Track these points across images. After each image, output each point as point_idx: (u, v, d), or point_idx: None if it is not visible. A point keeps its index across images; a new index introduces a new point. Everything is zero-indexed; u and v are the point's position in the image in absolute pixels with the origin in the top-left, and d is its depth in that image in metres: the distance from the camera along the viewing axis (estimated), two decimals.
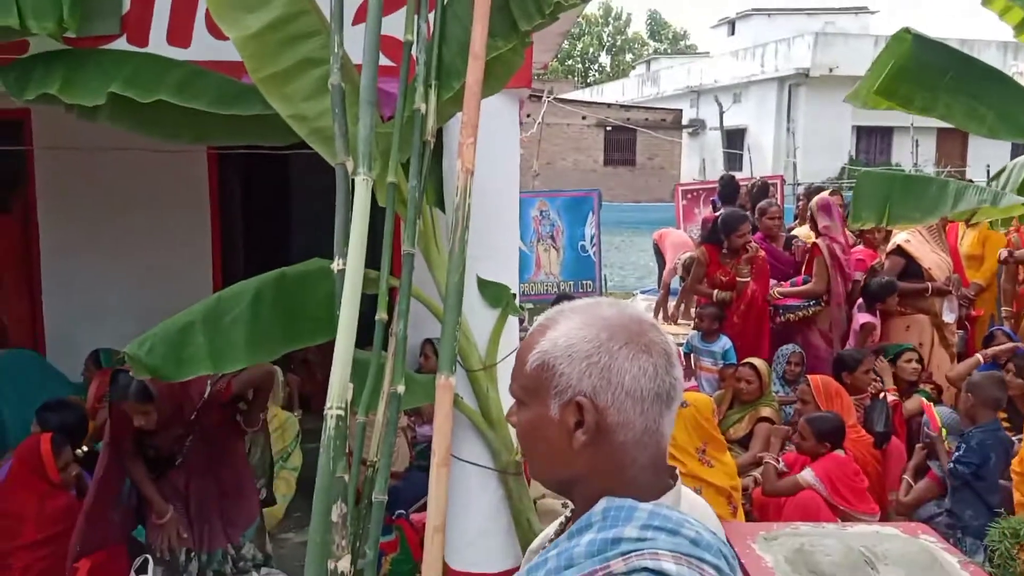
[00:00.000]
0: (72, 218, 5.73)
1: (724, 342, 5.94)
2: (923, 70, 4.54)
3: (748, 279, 5.89)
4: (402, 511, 4.35)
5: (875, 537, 3.32)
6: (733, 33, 31.37)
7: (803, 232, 6.91)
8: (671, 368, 1.10)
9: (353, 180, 2.19)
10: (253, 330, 2.54)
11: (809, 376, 5.07)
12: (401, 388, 2.37)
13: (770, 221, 6.57)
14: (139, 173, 5.55)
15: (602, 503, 1.06)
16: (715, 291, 6.02)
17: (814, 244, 6.17)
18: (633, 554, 0.99)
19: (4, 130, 5.53)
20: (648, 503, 1.05)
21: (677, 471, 1.15)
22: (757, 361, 5.36)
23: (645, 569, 0.97)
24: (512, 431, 3.32)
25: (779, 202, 8.51)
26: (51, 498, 3.50)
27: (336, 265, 2.22)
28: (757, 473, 4.68)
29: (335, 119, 2.29)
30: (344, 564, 1.95)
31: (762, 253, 6.05)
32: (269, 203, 7.08)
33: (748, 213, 6.46)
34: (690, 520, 1.05)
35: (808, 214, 6.60)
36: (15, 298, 5.95)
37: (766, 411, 5.23)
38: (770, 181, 9.86)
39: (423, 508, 4.50)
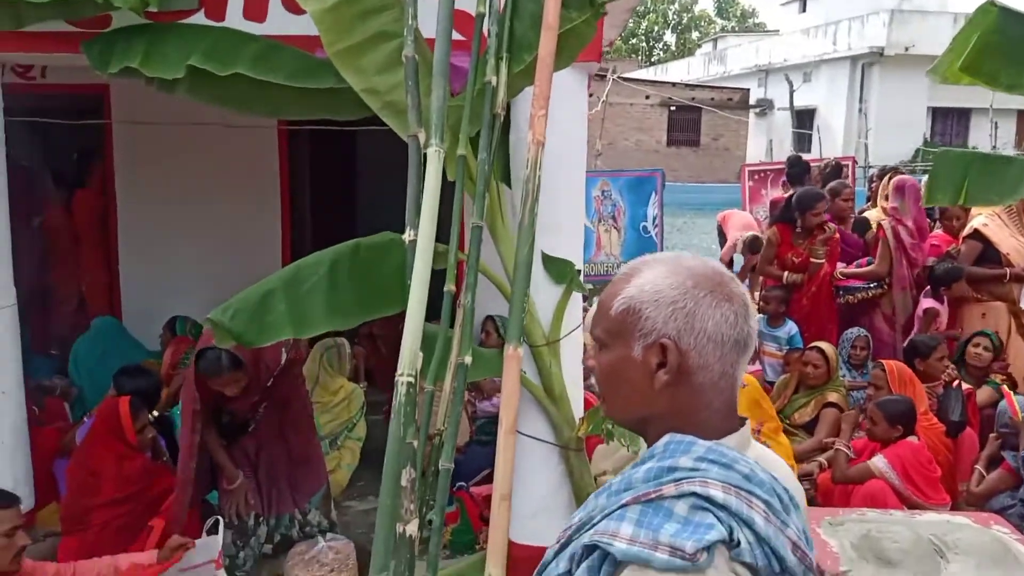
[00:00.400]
0: (148, 190, 5.91)
1: (790, 327, 5.84)
2: (1010, 44, 4.33)
3: (823, 260, 5.76)
4: (462, 483, 4.42)
5: (945, 526, 3.24)
6: (804, 10, 30.52)
7: (873, 215, 6.73)
8: (749, 318, 1.17)
9: (425, 152, 2.20)
10: (330, 298, 2.60)
11: (883, 361, 4.96)
12: (468, 359, 2.39)
13: (844, 203, 6.40)
14: (213, 147, 5.70)
15: (665, 438, 1.13)
16: (786, 273, 5.89)
17: (879, 225, 6.01)
18: (684, 480, 1.06)
19: (84, 104, 5.71)
20: (709, 441, 1.11)
21: (747, 420, 1.21)
22: (825, 345, 5.25)
23: (693, 494, 1.05)
24: (575, 405, 3.33)
25: (851, 184, 8.28)
26: (128, 459, 3.63)
27: (408, 236, 2.24)
28: (823, 458, 4.61)
29: (408, 91, 2.31)
30: (412, 528, 1.98)
31: (837, 235, 5.92)
32: (336, 179, 7.18)
33: (824, 193, 6.29)
34: (747, 459, 1.11)
35: (883, 196, 6.41)
36: (93, 268, 6.18)
37: (833, 396, 5.13)
38: (842, 163, 9.59)
39: (483, 481, 4.57)
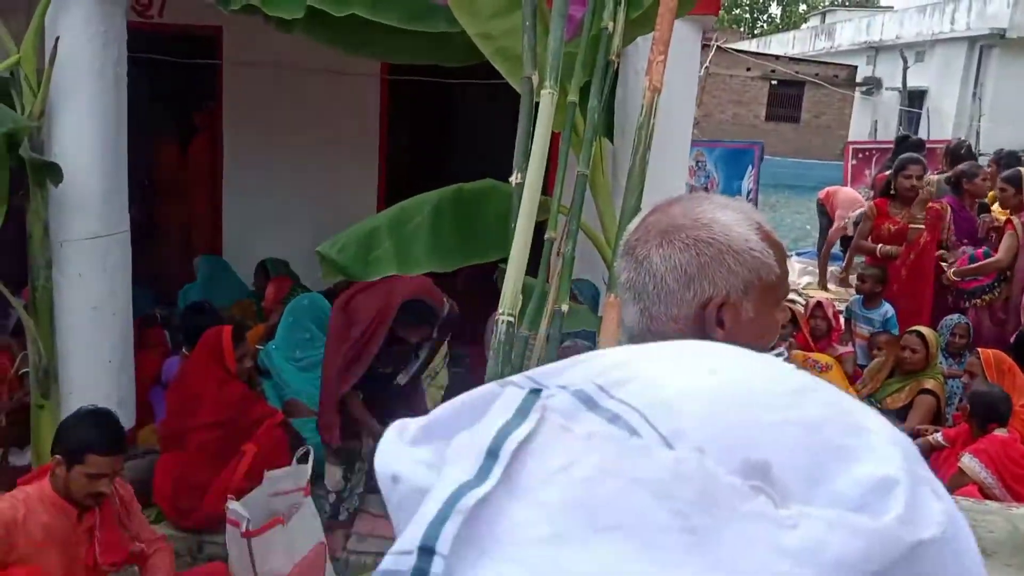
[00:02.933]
0: (253, 133, 6.07)
1: (886, 309, 5.64)
2: None
3: (922, 227, 5.52)
4: None
5: None
6: None
7: (995, 210, 6.35)
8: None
9: (537, 98, 2.19)
10: (433, 239, 2.64)
11: (980, 349, 4.76)
12: (565, 307, 2.39)
13: (982, 183, 6.11)
14: (317, 94, 5.81)
15: None
16: (879, 246, 5.69)
17: (1007, 220, 5.69)
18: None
19: (198, 44, 5.88)
20: None
21: None
22: (925, 330, 5.06)
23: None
24: None
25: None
26: (227, 385, 3.78)
27: (514, 179, 2.25)
28: (916, 444, 4.46)
29: (525, 32, 2.29)
30: None
31: (937, 205, 5.67)
32: (432, 131, 7.23)
33: (923, 159, 6.01)
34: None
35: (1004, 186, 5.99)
36: (200, 205, 6.41)
37: (930, 383, 4.95)
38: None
39: None
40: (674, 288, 1.06)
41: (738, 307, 1.06)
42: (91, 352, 3.74)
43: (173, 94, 6.46)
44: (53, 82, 3.50)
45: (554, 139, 2.61)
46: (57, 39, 3.48)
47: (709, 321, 1.06)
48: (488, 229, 2.72)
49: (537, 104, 2.29)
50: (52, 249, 3.64)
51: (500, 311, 2.02)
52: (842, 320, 5.94)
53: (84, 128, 3.60)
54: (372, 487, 3.81)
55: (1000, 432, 3.96)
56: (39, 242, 3.63)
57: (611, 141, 3.08)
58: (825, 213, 8.82)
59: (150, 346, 4.84)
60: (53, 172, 3.45)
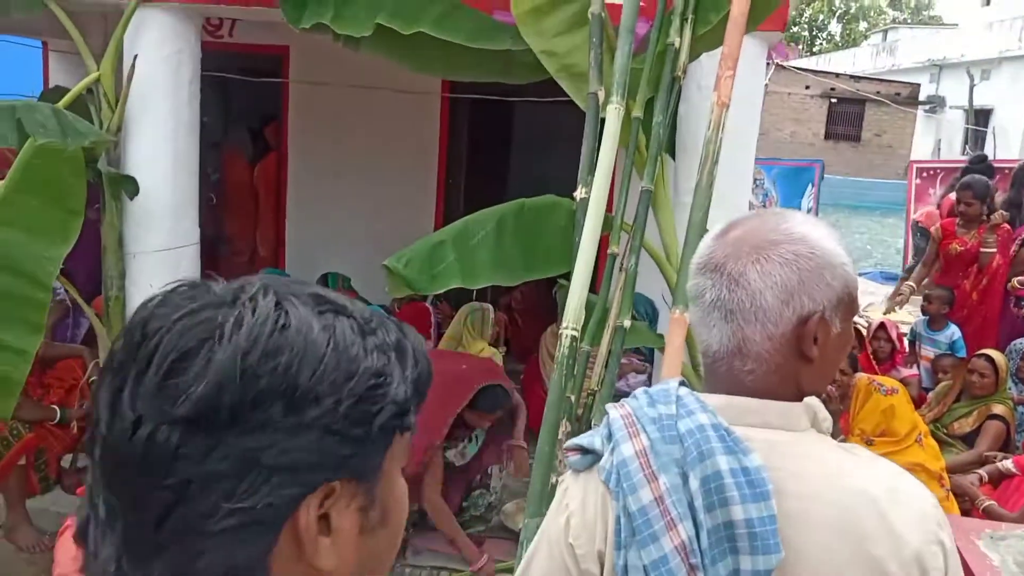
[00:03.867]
0: (316, 152, 6.21)
1: (952, 331, 5.49)
2: None
3: (993, 249, 5.40)
4: None
5: None
6: (988, 3, 28.30)
7: None
8: None
9: (604, 110, 2.20)
10: (496, 254, 2.66)
11: None
12: (627, 322, 2.39)
13: None
14: (379, 113, 5.92)
15: None
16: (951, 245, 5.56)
17: None
18: (617, 404, 1.13)
19: (266, 64, 6.05)
20: (691, 389, 1.10)
21: (803, 405, 1.09)
22: (995, 353, 4.90)
23: (606, 411, 1.12)
24: None
25: None
26: None
27: (579, 194, 2.26)
28: (983, 471, 4.32)
29: (591, 49, 2.31)
30: None
31: (1006, 225, 5.54)
32: (491, 150, 7.30)
33: (988, 182, 5.88)
34: (690, 410, 1.05)
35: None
36: (266, 222, 6.57)
37: (999, 408, 4.79)
38: None
39: None
40: (773, 305, 1.04)
41: (830, 323, 1.05)
42: None
43: (243, 112, 6.65)
44: (130, 99, 3.64)
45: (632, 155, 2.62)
46: (135, 57, 3.61)
47: (807, 338, 1.04)
48: (550, 244, 2.74)
49: (602, 120, 2.31)
50: (125, 260, 3.77)
51: (564, 325, 2.03)
52: (906, 343, 5.80)
53: (158, 144, 3.73)
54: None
55: None
56: (113, 253, 3.76)
57: (672, 158, 3.07)
58: (926, 235, 8.60)
59: None
60: (129, 185, 3.58)
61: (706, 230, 2.41)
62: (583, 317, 2.10)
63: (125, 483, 0.59)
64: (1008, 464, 4.33)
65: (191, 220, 3.96)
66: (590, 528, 1.07)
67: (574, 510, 1.08)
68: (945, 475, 4.10)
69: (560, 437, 2.03)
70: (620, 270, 2.47)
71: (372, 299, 5.41)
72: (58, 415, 3.83)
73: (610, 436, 1.08)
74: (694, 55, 2.62)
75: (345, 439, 0.60)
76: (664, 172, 2.97)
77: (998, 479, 4.29)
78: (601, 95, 2.29)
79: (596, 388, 2.35)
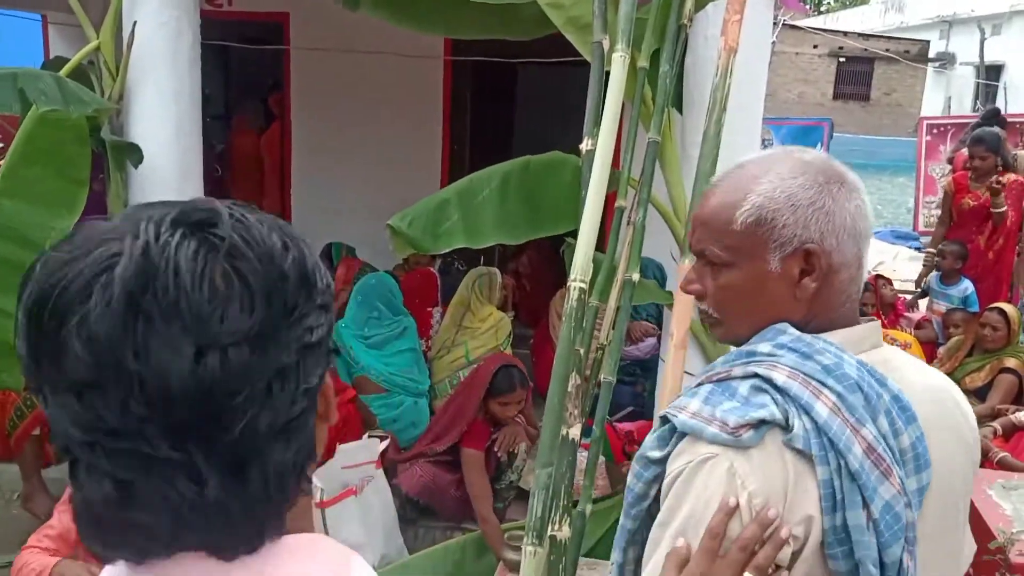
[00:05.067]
0: (320, 119, 6.17)
1: (965, 285, 5.47)
2: None
3: (1003, 208, 5.36)
4: (606, 416, 4.45)
5: None
6: None
7: None
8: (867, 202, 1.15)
9: (610, 60, 2.17)
10: (501, 211, 2.64)
11: None
12: (636, 276, 2.37)
13: None
14: (381, 78, 5.87)
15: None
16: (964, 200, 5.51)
17: None
18: (753, 363, 1.05)
19: (266, 32, 6.00)
20: (807, 333, 1.08)
21: (876, 320, 1.17)
22: (1007, 307, 4.88)
23: (756, 375, 1.04)
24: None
25: None
26: None
27: (585, 146, 2.23)
28: (997, 424, 4.31)
29: None
30: (575, 432, 2.01)
31: (1012, 177, 5.49)
32: (495, 113, 7.24)
33: (1000, 134, 5.82)
34: (839, 353, 1.06)
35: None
36: (270, 191, 6.55)
37: (1011, 362, 4.78)
38: None
39: (625, 418, 4.59)
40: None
41: None
42: None
43: (247, 82, 6.61)
44: (131, 66, 3.61)
45: (621, 111, 2.59)
46: (135, 24, 3.58)
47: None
48: (556, 201, 2.71)
49: (607, 72, 2.27)
50: None
51: (572, 277, 2.02)
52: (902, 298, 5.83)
53: (160, 111, 3.70)
54: None
55: None
56: None
57: (680, 112, 3.02)
58: None
59: None
60: (133, 153, 3.56)
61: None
62: (591, 270, 2.08)
63: (200, 416, 0.58)
64: (1021, 416, 4.32)
65: (196, 188, 3.93)
66: (780, 504, 1.00)
67: (755, 490, 0.99)
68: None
69: (570, 390, 2.03)
70: (628, 224, 2.45)
71: (379, 266, 5.41)
72: None
73: (783, 402, 1.02)
74: (701, 4, 2.57)
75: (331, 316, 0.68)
76: (671, 126, 2.92)
77: (1011, 431, 4.28)
78: (606, 44, 2.25)
79: (605, 343, 2.34)
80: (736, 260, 1.10)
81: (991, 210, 5.38)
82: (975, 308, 5.31)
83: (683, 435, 1.05)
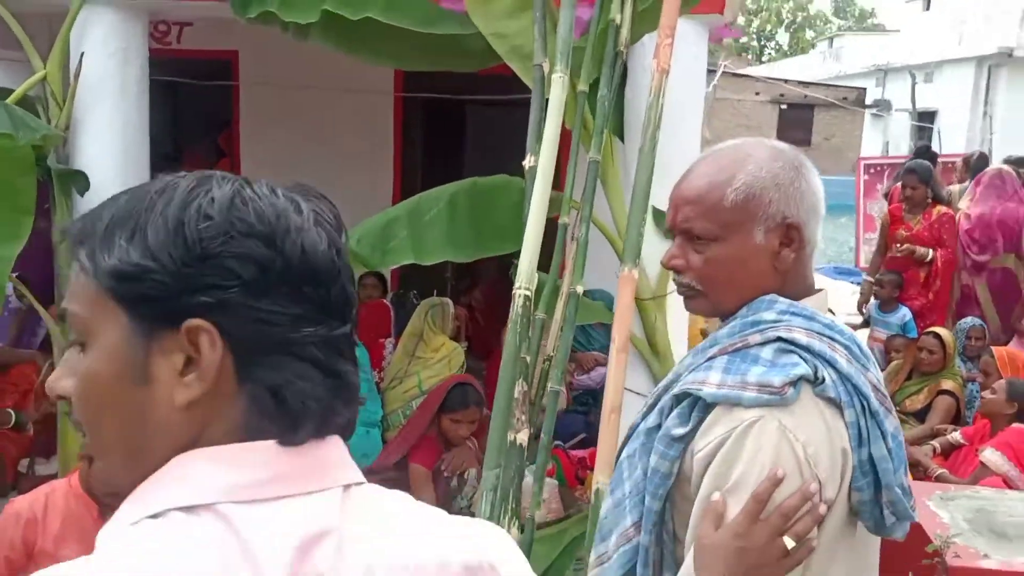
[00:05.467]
0: (269, 153, 6.18)
1: (903, 313, 5.66)
2: None
3: (927, 254, 5.61)
4: (560, 443, 4.48)
5: None
6: (928, 8, 29.15)
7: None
8: None
9: (550, 82, 2.26)
10: (449, 230, 2.69)
11: (993, 348, 4.77)
12: (580, 288, 2.44)
13: None
14: (333, 112, 5.93)
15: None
16: (917, 248, 5.68)
17: None
18: (769, 329, 1.15)
19: (215, 69, 6.03)
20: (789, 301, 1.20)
21: (825, 290, 1.30)
22: (942, 331, 5.06)
23: (779, 339, 1.13)
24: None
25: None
26: None
27: (528, 162, 2.30)
28: (936, 443, 4.45)
29: (536, 22, 2.37)
30: (522, 436, 2.05)
31: (942, 210, 5.72)
32: (445, 149, 7.34)
33: (931, 166, 6.10)
34: (825, 316, 1.21)
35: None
36: None
37: (948, 384, 4.94)
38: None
39: (578, 445, 4.63)
40: None
41: None
42: None
43: (196, 121, 6.61)
44: (78, 96, 3.62)
45: (564, 137, 2.68)
46: (82, 55, 3.59)
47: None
48: (503, 221, 2.77)
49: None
50: None
51: (516, 285, 2.07)
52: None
53: (108, 140, 3.70)
54: None
55: (1020, 425, 3.95)
56: (65, 253, 3.71)
57: (620, 139, 3.13)
58: None
59: None
60: (79, 181, 3.55)
61: (648, 195, 2.48)
62: (536, 280, 2.14)
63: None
64: (957, 435, 4.46)
65: None
66: (826, 450, 1.11)
67: (806, 440, 1.09)
68: None
69: (516, 396, 2.07)
70: (572, 240, 2.52)
71: None
72: (13, 419, 3.78)
73: (810, 359, 1.12)
74: (637, 35, 2.69)
75: None
76: (612, 150, 3.03)
77: (949, 450, 4.42)
78: (546, 67, 2.35)
79: (552, 354, 2.39)
80: (725, 234, 1.20)
81: (915, 256, 5.62)
82: (914, 334, 5.48)
83: (709, 408, 1.11)
